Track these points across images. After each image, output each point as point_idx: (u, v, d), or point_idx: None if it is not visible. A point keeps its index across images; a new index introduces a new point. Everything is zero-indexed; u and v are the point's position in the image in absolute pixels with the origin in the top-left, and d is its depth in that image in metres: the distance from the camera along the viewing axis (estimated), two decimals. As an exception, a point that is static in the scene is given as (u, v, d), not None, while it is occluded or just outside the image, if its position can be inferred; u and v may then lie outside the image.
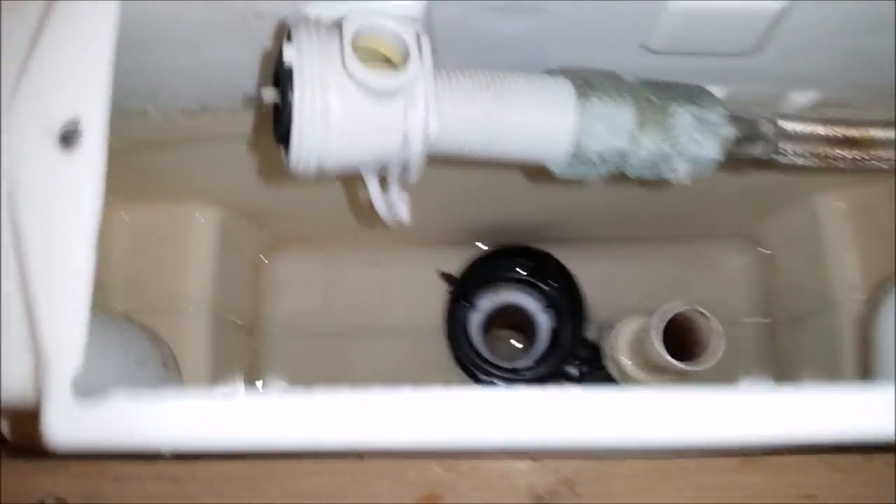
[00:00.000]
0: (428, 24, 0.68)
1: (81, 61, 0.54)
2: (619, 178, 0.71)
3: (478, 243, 1.38)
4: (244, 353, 1.31)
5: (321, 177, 0.58)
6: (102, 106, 0.52)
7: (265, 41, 0.71)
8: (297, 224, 1.34)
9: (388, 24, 0.54)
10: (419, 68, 0.53)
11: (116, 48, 0.55)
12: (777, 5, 0.64)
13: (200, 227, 1.22)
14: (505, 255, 1.37)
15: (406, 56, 0.54)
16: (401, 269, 1.42)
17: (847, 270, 1.16)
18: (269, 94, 0.57)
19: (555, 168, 0.64)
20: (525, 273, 1.38)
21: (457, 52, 0.72)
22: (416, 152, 0.56)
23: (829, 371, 1.20)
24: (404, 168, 0.59)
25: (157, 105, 0.83)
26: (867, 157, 0.66)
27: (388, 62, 0.58)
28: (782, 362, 1.33)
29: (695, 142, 0.62)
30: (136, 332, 0.83)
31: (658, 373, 1.01)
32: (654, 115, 0.62)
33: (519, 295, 1.45)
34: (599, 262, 1.39)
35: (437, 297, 1.40)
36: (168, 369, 0.87)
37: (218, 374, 1.21)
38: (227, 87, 0.81)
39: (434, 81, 0.55)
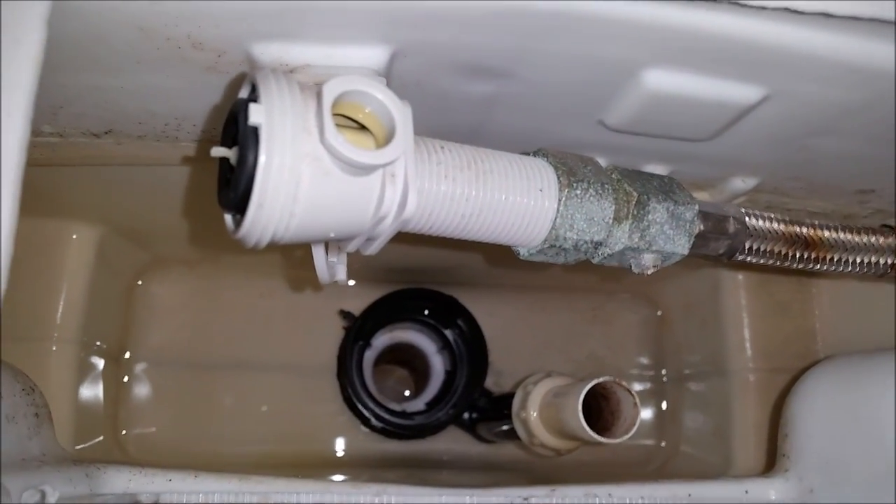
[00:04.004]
0: (387, 77, 0.62)
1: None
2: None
3: (383, 281, 1.32)
4: (110, 383, 1.18)
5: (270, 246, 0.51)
6: (18, 155, 0.43)
7: (198, 72, 0.64)
8: (182, 245, 1.23)
9: (377, 94, 0.48)
10: (404, 145, 0.47)
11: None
12: (749, 100, 0.63)
13: (75, 246, 1.09)
14: (410, 296, 1.32)
15: (391, 129, 0.48)
16: (291, 302, 1.34)
17: (740, 339, 1.19)
18: (221, 152, 0.49)
19: (523, 251, 0.60)
20: (426, 314, 1.34)
21: (413, 105, 0.68)
22: (387, 230, 0.50)
23: (714, 433, 1.23)
24: (367, 242, 0.53)
25: (56, 125, 0.72)
26: (816, 258, 0.67)
27: (359, 126, 0.51)
28: (667, 419, 1.36)
29: (667, 238, 0.60)
30: (7, 382, 0.72)
31: (566, 437, 0.99)
32: (631, 209, 0.59)
33: (414, 335, 1.40)
34: (502, 309, 1.37)
35: (329, 332, 1.33)
36: (40, 419, 0.77)
37: (82, 406, 1.09)
38: (141, 114, 0.72)
39: (414, 156, 0.50)
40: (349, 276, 1.30)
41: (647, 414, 1.37)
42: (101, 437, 1.13)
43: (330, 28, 0.57)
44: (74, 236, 1.09)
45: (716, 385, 1.23)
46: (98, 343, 1.14)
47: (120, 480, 0.70)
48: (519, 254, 0.61)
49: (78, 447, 1.04)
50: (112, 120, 0.74)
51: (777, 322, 1.16)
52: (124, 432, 1.19)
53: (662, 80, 0.63)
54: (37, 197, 0.99)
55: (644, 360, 1.40)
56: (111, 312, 1.20)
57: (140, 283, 1.27)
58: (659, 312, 1.39)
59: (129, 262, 1.23)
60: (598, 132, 0.74)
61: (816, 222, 0.68)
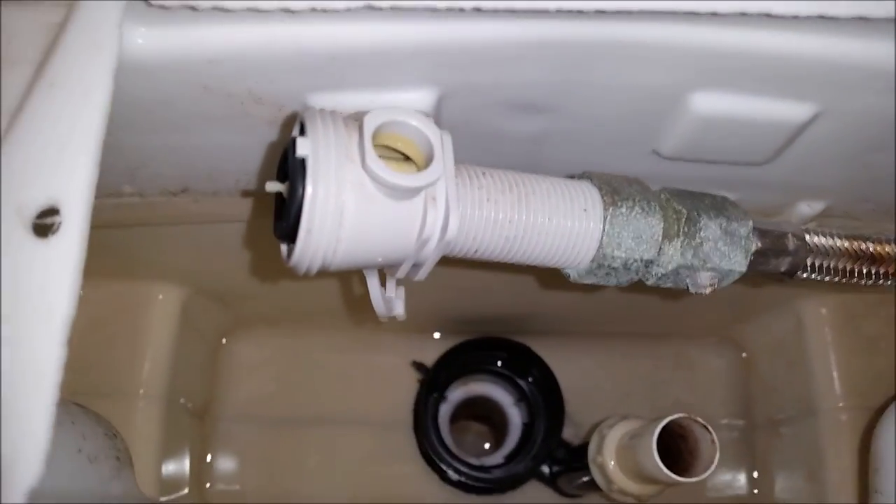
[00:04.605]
0: (437, 119, 0.65)
1: (65, 141, 0.48)
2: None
3: (456, 333, 1.33)
4: (195, 440, 1.22)
5: (322, 272, 0.54)
6: (86, 192, 0.47)
7: (262, 127, 0.68)
8: (264, 305, 1.27)
9: (413, 122, 0.50)
10: (442, 168, 0.49)
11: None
12: (801, 118, 0.63)
13: (161, 306, 1.15)
14: (482, 346, 1.32)
15: (429, 155, 0.50)
16: (368, 356, 1.36)
17: (829, 378, 1.14)
18: (274, 186, 0.52)
19: (573, 274, 0.60)
20: (500, 365, 1.33)
21: (463, 146, 0.70)
22: (432, 253, 0.52)
23: (807, 478, 1.17)
24: (414, 267, 0.55)
25: (135, 184, 0.78)
26: (886, 273, 0.64)
27: (404, 157, 0.54)
28: (758, 465, 1.30)
29: (722, 255, 0.59)
30: (90, 424, 0.76)
31: (646, 481, 0.96)
32: (681, 226, 0.59)
33: (490, 387, 1.39)
34: (579, 358, 1.35)
35: (405, 386, 1.34)
36: (121, 463, 0.80)
37: (167, 461, 1.13)
38: (213, 171, 0.77)
39: (455, 181, 0.51)
40: (425, 328, 1.33)
41: (738, 462, 1.31)
42: (186, 491, 1.16)
43: (377, 75, 0.60)
44: (160, 297, 1.15)
45: (807, 428, 1.17)
46: (183, 400, 1.18)
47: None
48: (569, 276, 0.61)
49: (163, 499, 1.08)
50: (186, 178, 0.79)
51: (866, 358, 1.11)
52: (209, 485, 1.22)
53: (710, 104, 0.64)
54: (124, 260, 1.06)
55: (732, 406, 1.35)
56: (196, 371, 1.24)
57: (224, 342, 1.31)
58: (744, 355, 1.34)
59: (214, 322, 1.28)
60: (653, 162, 0.74)
61: (882, 237, 0.66)
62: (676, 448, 0.92)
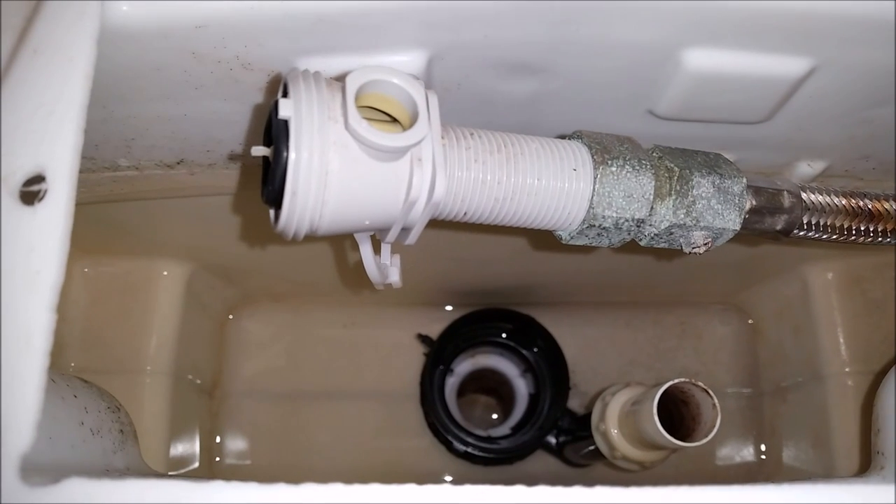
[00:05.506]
0: (428, 82, 0.64)
1: (50, 108, 0.48)
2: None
3: (460, 305, 1.33)
4: (204, 415, 1.23)
5: (310, 237, 0.53)
6: (71, 159, 0.47)
7: (252, 94, 0.67)
8: (269, 280, 1.28)
9: (395, 80, 0.50)
10: (428, 127, 0.49)
11: (91, 98, 0.50)
12: (796, 73, 0.61)
13: (166, 282, 1.15)
14: (486, 317, 1.32)
15: (414, 114, 0.49)
16: (375, 330, 1.36)
17: (836, 343, 1.13)
18: (259, 151, 0.52)
19: (564, 235, 0.60)
20: (505, 336, 1.33)
21: (457, 109, 0.69)
22: (420, 216, 0.52)
23: (814, 444, 1.17)
24: (403, 231, 0.54)
25: (131, 158, 0.78)
26: (884, 231, 0.64)
27: (392, 119, 0.53)
28: (766, 432, 1.30)
29: (715, 213, 0.59)
30: (92, 397, 0.76)
31: (648, 447, 0.96)
32: (673, 184, 0.58)
33: (497, 359, 1.39)
34: (584, 328, 1.35)
35: (411, 359, 1.34)
36: (124, 436, 0.81)
37: (176, 436, 1.14)
38: (207, 141, 0.76)
39: (442, 141, 0.51)
40: (421, 298, 1.33)
41: (745, 430, 1.31)
42: (196, 466, 1.17)
43: (366, 37, 0.60)
44: (165, 273, 1.15)
45: (814, 393, 1.17)
46: (191, 377, 1.19)
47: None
48: (561, 238, 0.61)
49: (171, 474, 1.09)
50: (181, 150, 0.78)
51: (873, 322, 1.10)
52: (218, 460, 1.23)
53: (703, 61, 0.63)
54: (127, 237, 1.06)
55: (739, 374, 1.34)
56: (203, 346, 1.25)
57: (231, 317, 1.32)
58: (750, 321, 1.34)
59: (219, 298, 1.28)
60: (650, 123, 0.73)
61: (880, 194, 0.65)
62: (679, 414, 0.92)
